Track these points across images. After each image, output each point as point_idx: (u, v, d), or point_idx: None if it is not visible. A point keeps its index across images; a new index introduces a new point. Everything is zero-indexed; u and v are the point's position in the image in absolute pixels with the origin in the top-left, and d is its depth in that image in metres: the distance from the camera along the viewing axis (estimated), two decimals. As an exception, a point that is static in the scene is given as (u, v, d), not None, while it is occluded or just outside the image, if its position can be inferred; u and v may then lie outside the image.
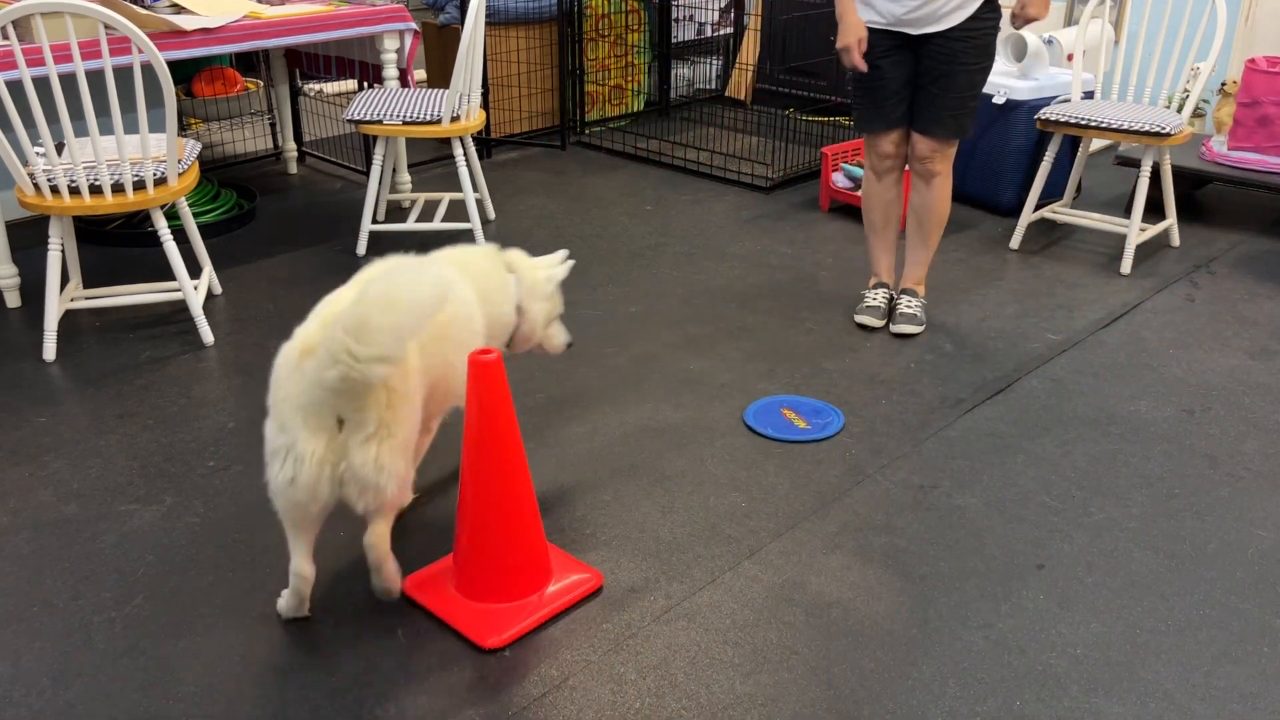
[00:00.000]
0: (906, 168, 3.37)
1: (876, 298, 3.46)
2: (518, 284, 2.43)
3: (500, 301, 2.38)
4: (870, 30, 3.11)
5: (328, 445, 1.95)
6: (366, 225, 3.96)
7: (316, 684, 1.98)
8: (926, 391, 3.04)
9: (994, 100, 4.32)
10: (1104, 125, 3.80)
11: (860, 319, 3.42)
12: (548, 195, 4.66)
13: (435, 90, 4.03)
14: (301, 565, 2.08)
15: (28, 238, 4.03)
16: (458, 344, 2.19)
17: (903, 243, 3.52)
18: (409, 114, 3.79)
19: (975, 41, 3.07)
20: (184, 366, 3.14)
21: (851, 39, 3.06)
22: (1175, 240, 4.15)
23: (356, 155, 5.09)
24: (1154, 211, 4.30)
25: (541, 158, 5.22)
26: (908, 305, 3.41)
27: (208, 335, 3.28)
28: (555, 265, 2.51)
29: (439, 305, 1.89)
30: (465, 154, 4.10)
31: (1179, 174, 4.28)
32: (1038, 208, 4.25)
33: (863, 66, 3.08)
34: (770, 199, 4.64)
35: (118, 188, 3.09)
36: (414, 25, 4.13)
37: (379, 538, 2.08)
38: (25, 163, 3.81)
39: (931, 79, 3.12)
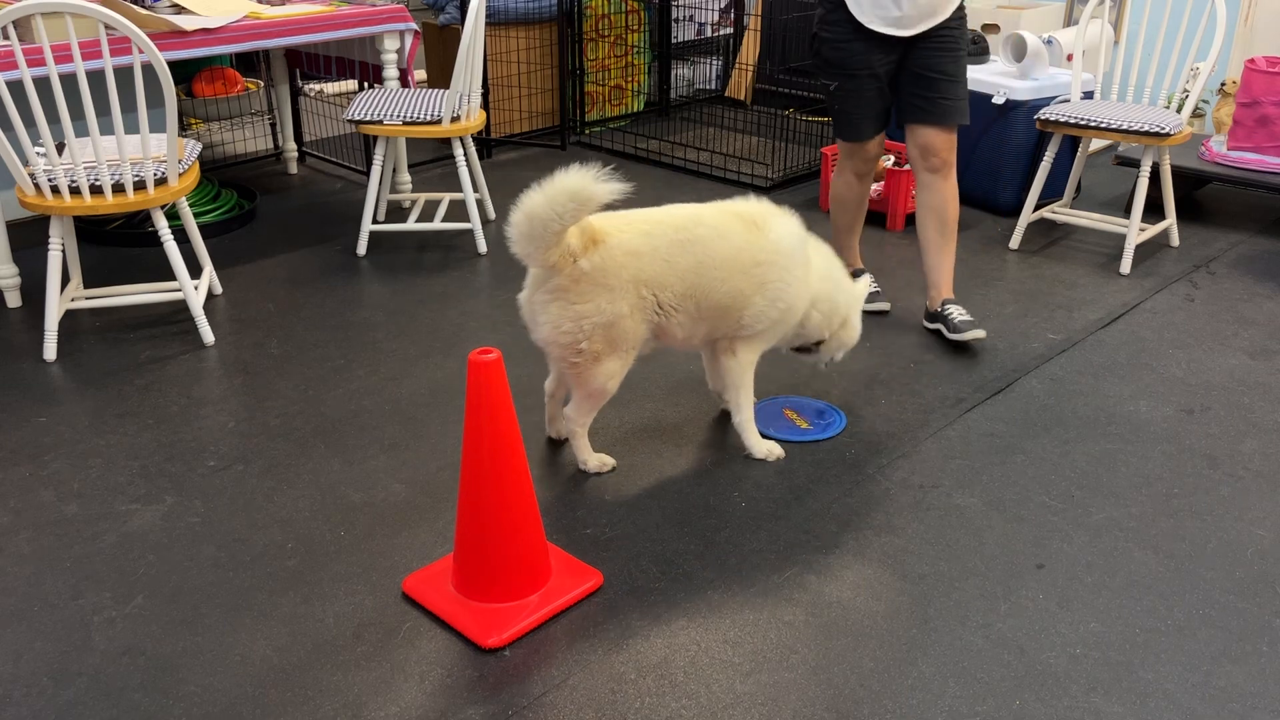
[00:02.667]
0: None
1: (873, 284, 3.47)
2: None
3: (835, 290, 2.73)
4: (864, 37, 3.10)
5: (534, 287, 2.48)
6: (367, 225, 3.97)
7: (316, 684, 1.98)
8: (926, 391, 3.04)
9: (994, 100, 4.32)
10: (1104, 125, 3.81)
11: (876, 306, 3.49)
12: (548, 195, 4.66)
13: (435, 90, 4.04)
14: (549, 381, 2.72)
15: (28, 238, 4.04)
16: (760, 283, 2.53)
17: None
18: (409, 114, 3.79)
19: (962, 30, 3.17)
20: (184, 366, 3.15)
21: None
22: (1175, 240, 4.16)
23: (356, 155, 5.09)
24: (1153, 211, 4.30)
25: (541, 158, 5.22)
26: (961, 313, 3.27)
27: (208, 335, 3.28)
28: (862, 287, 2.87)
29: (573, 215, 2.26)
30: (465, 154, 4.10)
31: (1178, 174, 4.28)
32: (1037, 208, 4.25)
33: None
34: (770, 199, 4.63)
35: (118, 188, 3.09)
36: (414, 25, 4.13)
37: (566, 418, 2.60)
38: (26, 163, 3.81)
39: (937, 71, 3.13)
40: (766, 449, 2.70)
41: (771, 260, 2.53)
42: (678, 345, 2.62)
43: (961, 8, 3.13)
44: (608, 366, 2.46)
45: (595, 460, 2.64)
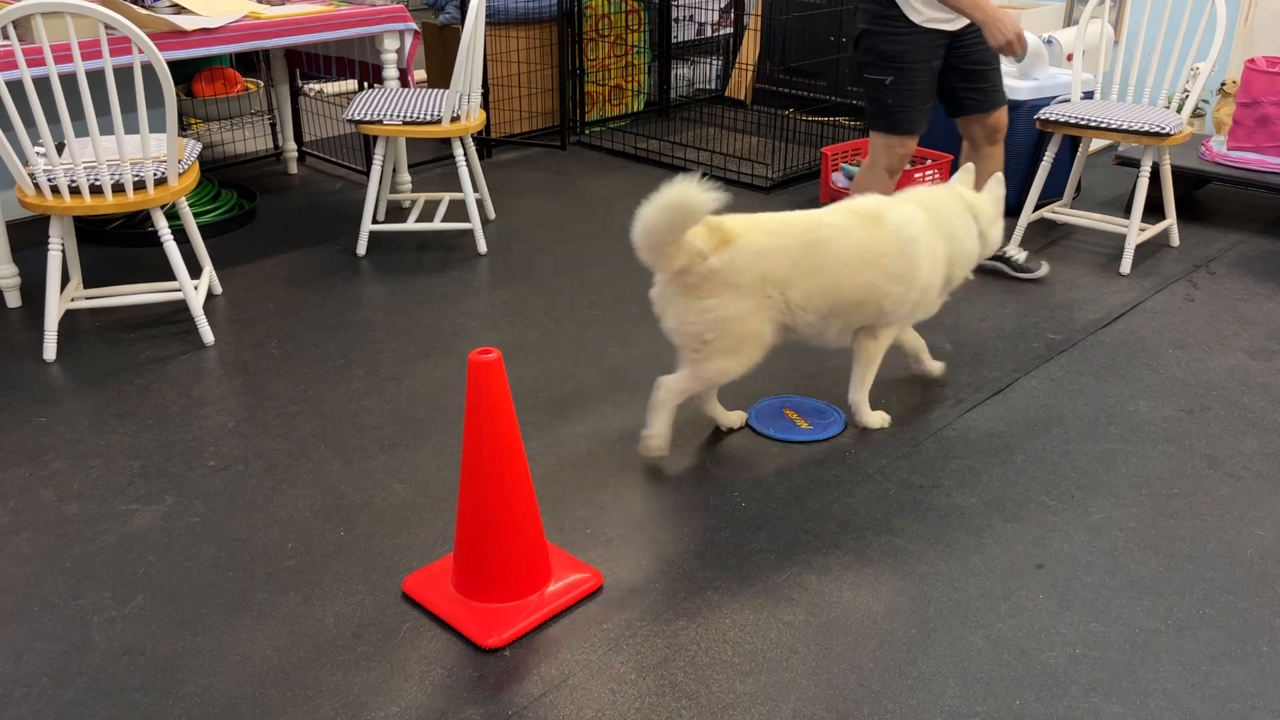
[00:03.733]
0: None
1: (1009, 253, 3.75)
2: (977, 218, 2.85)
3: (965, 238, 2.81)
4: (927, 33, 3.22)
5: (667, 281, 2.56)
6: (367, 225, 3.97)
7: (316, 684, 1.98)
8: (926, 391, 3.04)
9: (994, 100, 4.31)
10: (1104, 125, 3.80)
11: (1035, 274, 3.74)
12: (548, 195, 4.66)
13: (435, 90, 4.03)
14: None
15: (28, 238, 4.04)
16: (890, 275, 2.64)
17: None
18: (409, 114, 3.79)
19: None
20: (184, 366, 3.15)
21: (1018, 26, 3.10)
22: (1175, 240, 4.16)
23: (356, 155, 5.09)
24: (1153, 211, 4.30)
25: (541, 158, 5.22)
26: (1021, 252, 3.78)
27: (208, 335, 3.28)
28: (996, 189, 2.94)
29: (682, 224, 2.39)
30: (465, 154, 4.10)
31: (1178, 174, 4.28)
32: (1037, 207, 4.25)
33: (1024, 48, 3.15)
34: (770, 199, 4.64)
35: (118, 188, 3.09)
36: (414, 25, 4.13)
37: (663, 386, 2.63)
38: (26, 163, 3.81)
39: (983, 63, 3.37)
40: (880, 419, 2.86)
41: (897, 250, 2.65)
42: (812, 341, 2.75)
43: None
44: (724, 363, 2.57)
45: (659, 439, 2.65)
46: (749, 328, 2.55)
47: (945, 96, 3.45)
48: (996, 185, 2.95)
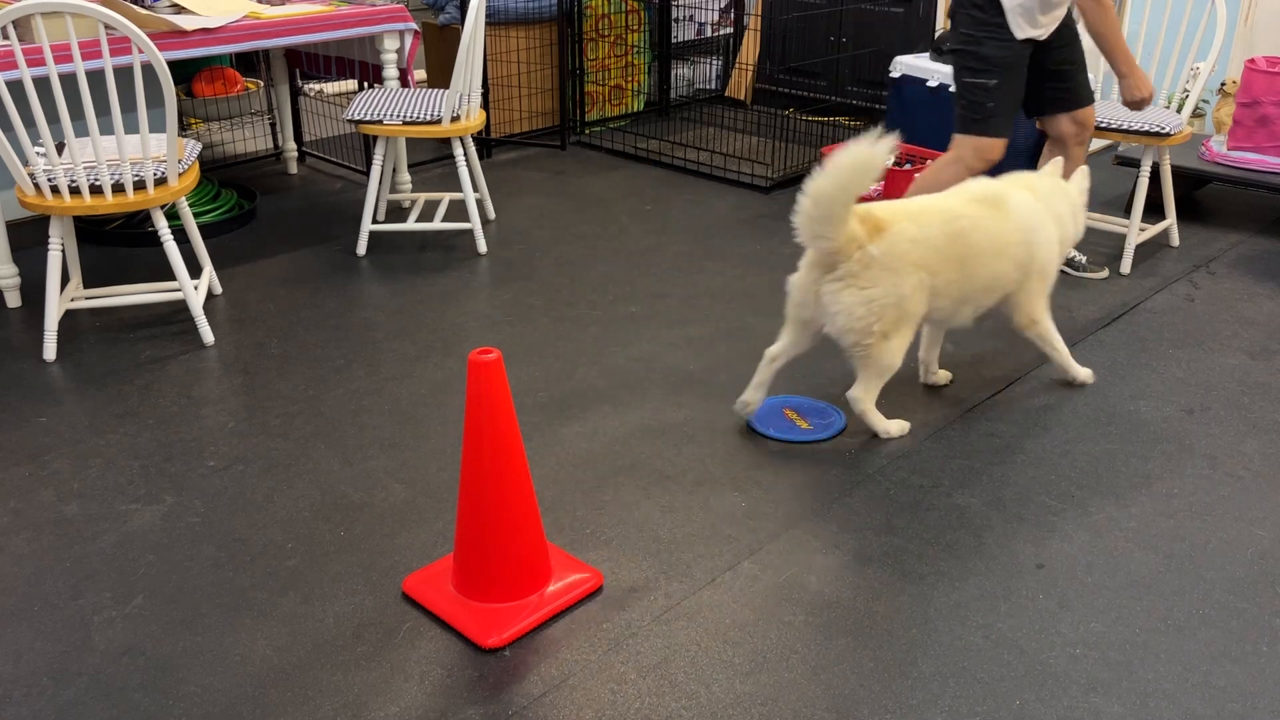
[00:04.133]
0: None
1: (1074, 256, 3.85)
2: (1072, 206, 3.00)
3: (1069, 222, 2.96)
4: (1025, 44, 3.31)
5: (815, 275, 2.64)
6: (367, 225, 3.97)
7: (316, 684, 1.98)
8: (927, 391, 3.04)
9: (994, 100, 4.31)
10: (1104, 125, 3.80)
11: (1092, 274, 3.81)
12: (548, 195, 4.66)
13: (435, 90, 4.03)
14: (773, 347, 2.81)
15: (28, 238, 4.03)
16: (1016, 263, 2.80)
17: None
18: (409, 114, 3.79)
19: (1072, 17, 3.45)
20: (184, 366, 3.15)
21: (1152, 87, 3.39)
22: (1175, 240, 4.15)
23: (356, 155, 5.09)
24: (1153, 211, 4.30)
25: (541, 158, 5.22)
26: (1080, 255, 3.84)
27: (208, 335, 3.28)
28: (1083, 180, 3.11)
29: (859, 184, 2.45)
30: (465, 154, 4.10)
31: (1179, 174, 4.28)
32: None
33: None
34: (770, 199, 4.64)
35: (118, 188, 3.09)
36: (414, 25, 4.13)
37: (855, 399, 2.76)
38: (26, 162, 3.81)
39: (1069, 62, 3.47)
40: (1088, 374, 3.08)
41: (1023, 238, 2.79)
42: (941, 323, 2.89)
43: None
44: (894, 344, 2.68)
45: (895, 426, 2.81)
46: (911, 308, 2.67)
47: (1032, 98, 3.52)
48: (1083, 178, 3.11)
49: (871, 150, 2.40)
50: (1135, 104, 3.40)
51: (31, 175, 3.08)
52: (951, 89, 4.50)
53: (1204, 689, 1.99)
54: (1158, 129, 3.74)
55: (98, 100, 4.05)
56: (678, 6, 5.90)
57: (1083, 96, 3.54)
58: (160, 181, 3.15)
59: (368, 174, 4.82)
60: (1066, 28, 3.42)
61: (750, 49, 5.98)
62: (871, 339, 2.65)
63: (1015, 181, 2.90)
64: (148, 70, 3.95)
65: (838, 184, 2.44)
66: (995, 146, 3.44)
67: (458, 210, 4.34)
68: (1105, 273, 3.83)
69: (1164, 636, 2.12)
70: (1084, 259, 3.85)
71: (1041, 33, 3.33)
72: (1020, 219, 2.79)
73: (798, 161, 5.02)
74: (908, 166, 4.43)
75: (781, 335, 2.80)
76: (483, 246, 4.01)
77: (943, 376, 3.10)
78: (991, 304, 2.87)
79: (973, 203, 2.77)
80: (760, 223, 4.35)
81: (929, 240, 2.65)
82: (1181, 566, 2.32)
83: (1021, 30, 3.28)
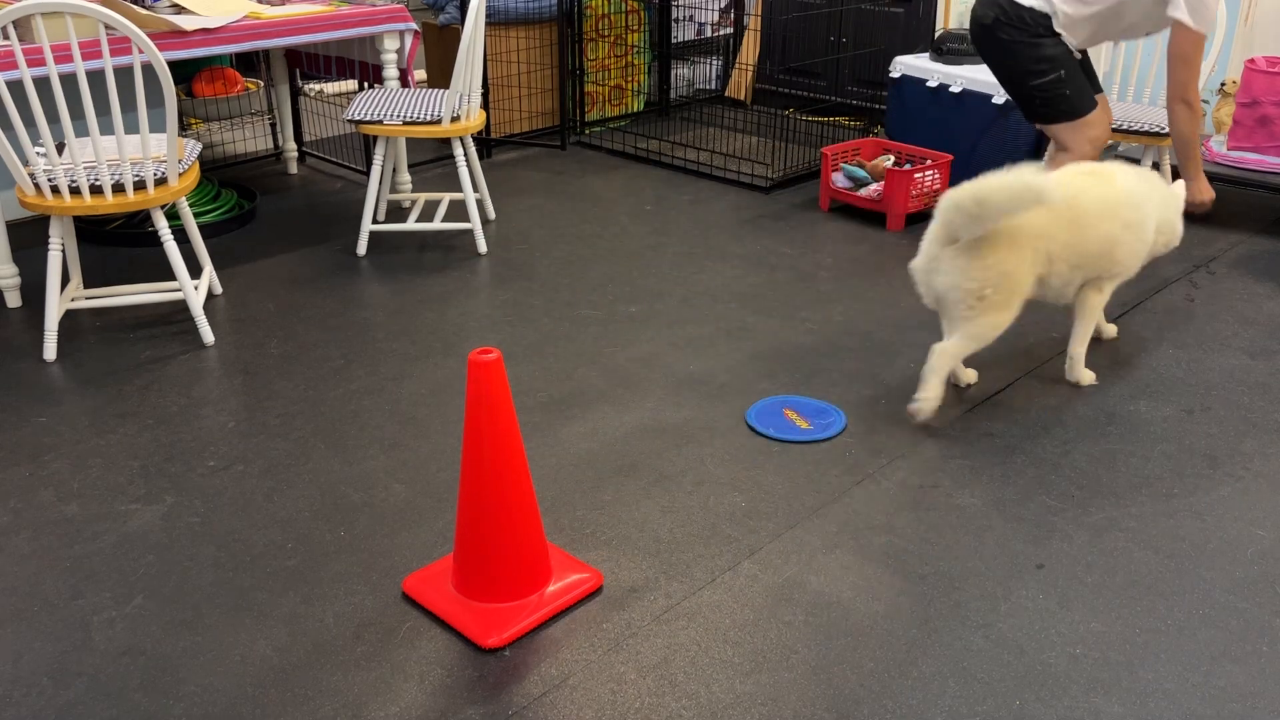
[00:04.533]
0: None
1: None
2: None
3: (1166, 209, 3.10)
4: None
5: (938, 252, 2.78)
6: (367, 225, 3.97)
7: (316, 684, 1.98)
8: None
9: (994, 100, 4.32)
10: (1104, 125, 3.80)
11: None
12: (548, 195, 4.66)
13: (435, 90, 4.04)
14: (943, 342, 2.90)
15: (28, 238, 4.04)
16: (1124, 223, 2.93)
17: None
18: (409, 114, 3.79)
19: None
20: (184, 366, 3.15)
21: (1212, 195, 3.53)
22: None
23: (356, 155, 5.09)
24: (1154, 211, 4.29)
25: (541, 158, 5.22)
26: None
27: (208, 335, 3.28)
28: (1180, 189, 3.24)
29: (1021, 209, 2.64)
30: (465, 154, 4.10)
31: (1179, 174, 4.27)
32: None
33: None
34: (770, 199, 4.65)
35: (118, 188, 3.09)
36: (414, 25, 4.13)
37: (941, 352, 2.82)
38: (26, 162, 3.81)
39: (1087, 68, 3.54)
40: (1090, 377, 3.10)
41: (1130, 203, 2.92)
42: (1050, 296, 2.98)
43: None
44: (998, 318, 2.80)
45: (932, 402, 2.84)
46: (1021, 281, 2.77)
47: None
48: (1181, 187, 3.24)
49: (1041, 190, 2.56)
50: (1193, 208, 3.50)
51: (32, 175, 3.08)
52: (951, 89, 4.51)
53: (1204, 689, 1.99)
54: (1158, 129, 3.74)
55: (98, 100, 4.05)
56: (678, 6, 5.90)
57: (1095, 86, 3.58)
58: (160, 181, 3.15)
59: (368, 174, 4.82)
60: None
61: (750, 49, 5.98)
62: (979, 305, 2.76)
63: (1116, 166, 3.02)
64: (148, 70, 3.95)
65: (1012, 199, 2.58)
66: (1094, 123, 3.51)
67: (458, 210, 4.34)
68: None
69: (1164, 636, 2.12)
70: None
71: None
72: (1129, 189, 2.93)
73: (798, 161, 5.02)
74: (908, 166, 4.43)
75: (944, 324, 2.92)
76: (483, 246, 4.01)
77: (969, 376, 3.10)
78: (1101, 270, 2.96)
79: (1080, 175, 2.93)
80: (760, 223, 4.35)
81: (1046, 209, 2.77)
82: (1181, 566, 2.32)
83: (1071, 43, 3.43)
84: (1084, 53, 3.56)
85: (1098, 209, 2.87)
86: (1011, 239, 2.72)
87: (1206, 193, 3.50)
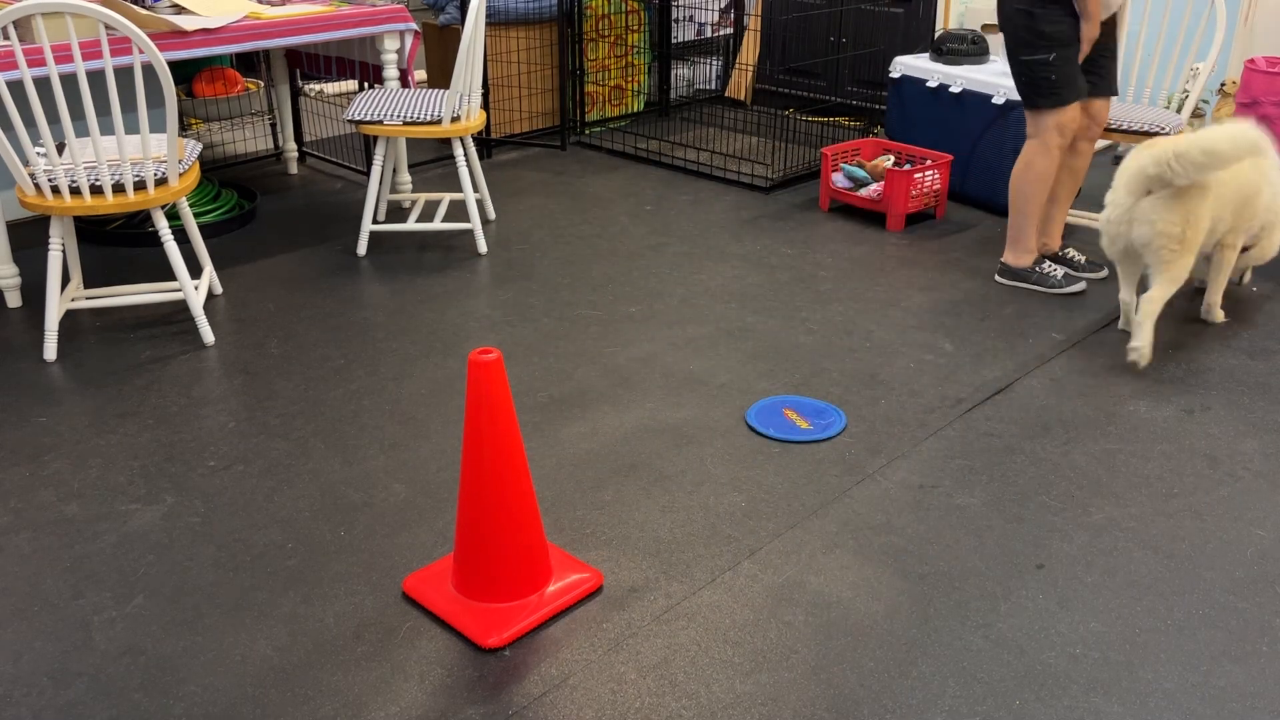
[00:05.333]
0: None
1: (1072, 254, 3.88)
2: None
3: None
4: (1072, 15, 3.43)
5: (1132, 205, 3.13)
6: (367, 225, 3.97)
7: (316, 684, 1.98)
8: (926, 391, 3.04)
9: (994, 100, 4.32)
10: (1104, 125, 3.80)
11: (1076, 286, 3.72)
12: (548, 195, 4.67)
13: (435, 90, 4.04)
14: (1123, 293, 3.35)
15: (28, 238, 4.04)
16: (1269, 181, 3.30)
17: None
18: (409, 114, 3.79)
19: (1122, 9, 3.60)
20: (184, 366, 3.15)
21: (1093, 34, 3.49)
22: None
23: (357, 155, 5.09)
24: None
25: (541, 158, 5.22)
26: (1081, 255, 3.87)
27: (208, 335, 3.28)
28: None
29: (1237, 160, 3.01)
30: (465, 154, 4.10)
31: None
32: (1038, 208, 4.25)
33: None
34: (770, 199, 4.65)
35: (118, 188, 3.09)
36: (414, 25, 4.13)
37: (1150, 300, 3.13)
38: (26, 163, 3.81)
39: (1108, 51, 3.59)
40: (1223, 315, 3.46)
41: (1263, 156, 3.13)
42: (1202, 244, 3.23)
43: None
44: (1187, 260, 3.12)
45: (1148, 348, 3.13)
46: (1205, 225, 3.10)
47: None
48: None
49: (1256, 142, 2.94)
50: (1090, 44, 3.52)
51: (32, 175, 3.08)
52: (951, 89, 4.51)
53: (1204, 689, 1.99)
54: (1157, 129, 3.74)
55: (98, 100, 4.05)
56: (678, 6, 5.90)
57: (1103, 86, 3.61)
58: (160, 182, 3.15)
59: (368, 174, 4.82)
60: (1118, 15, 3.54)
61: (750, 49, 5.98)
62: (1179, 247, 3.06)
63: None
64: (148, 70, 3.95)
65: (1233, 155, 2.93)
66: (1070, 115, 3.54)
67: (458, 210, 4.34)
68: (1105, 272, 3.82)
69: (1164, 636, 2.12)
70: (1083, 258, 3.85)
71: (1105, 10, 3.46)
72: (1260, 144, 3.08)
73: (798, 161, 5.02)
74: (908, 167, 4.43)
75: (1121, 283, 3.32)
76: (483, 247, 4.01)
77: (1219, 316, 3.46)
78: (1243, 222, 3.28)
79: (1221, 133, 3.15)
80: (760, 223, 4.35)
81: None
82: (1181, 566, 2.32)
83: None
84: (1107, 52, 3.55)
85: (1251, 165, 3.20)
86: (1205, 190, 3.05)
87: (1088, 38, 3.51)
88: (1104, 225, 3.21)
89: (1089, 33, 3.44)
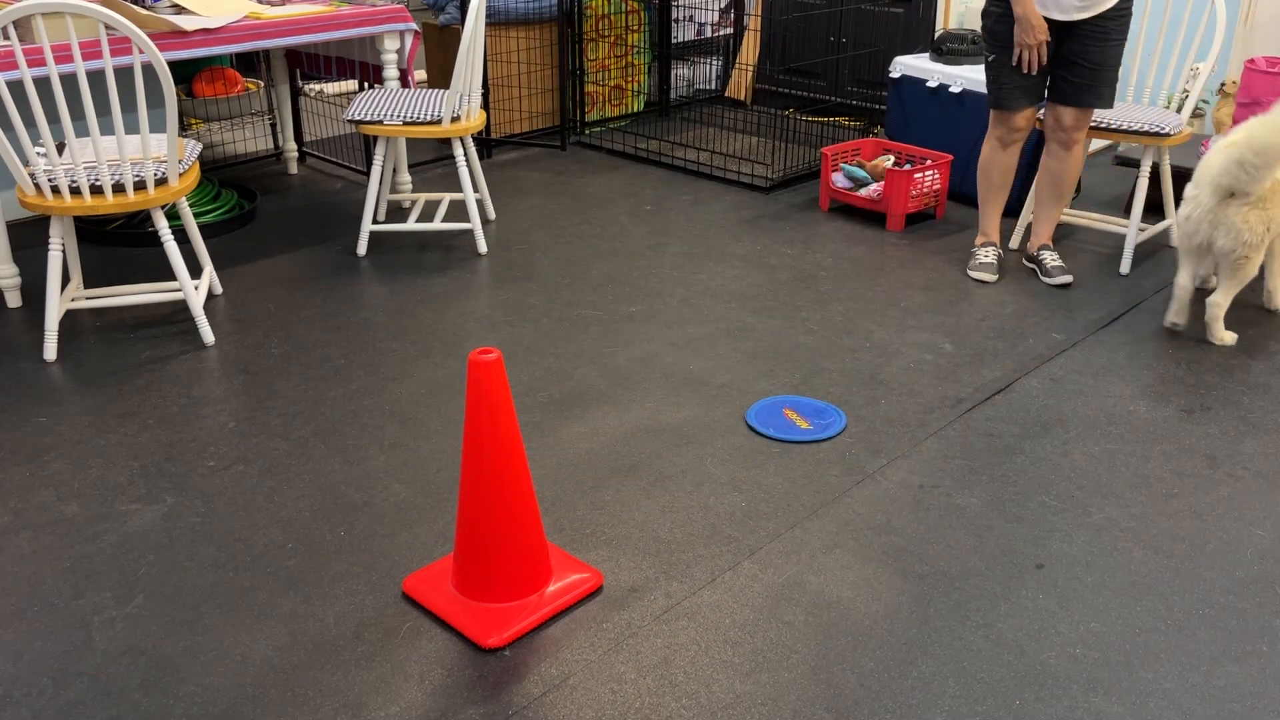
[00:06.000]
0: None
1: (989, 255, 3.82)
2: None
3: None
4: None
5: (1216, 204, 3.14)
6: (367, 225, 3.97)
7: (316, 684, 1.98)
8: (926, 391, 3.04)
9: (994, 100, 4.32)
10: (1103, 125, 3.80)
11: (978, 275, 3.76)
12: (548, 195, 4.67)
13: (435, 90, 4.04)
14: (1182, 278, 3.35)
15: (28, 238, 4.04)
16: None
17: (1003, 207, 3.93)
18: (409, 114, 3.79)
19: (1124, 19, 3.43)
20: (184, 366, 3.15)
21: (1042, 37, 3.40)
22: (1175, 240, 4.15)
23: (357, 155, 5.09)
24: (1153, 211, 4.30)
25: (541, 158, 5.22)
26: (1054, 259, 3.79)
27: (208, 335, 3.28)
28: None
29: None
30: (465, 154, 4.10)
31: (1179, 174, 4.28)
32: (1038, 208, 4.25)
33: (1043, 61, 3.43)
34: (770, 199, 4.65)
35: (118, 188, 3.09)
36: (414, 26, 4.13)
37: (1216, 304, 3.28)
38: (26, 163, 3.81)
39: (1085, 57, 3.46)
40: (1233, 337, 3.38)
41: None
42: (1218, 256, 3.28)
43: (1126, 3, 3.41)
44: (1257, 261, 3.20)
45: (1229, 336, 3.33)
46: (1276, 230, 3.18)
47: (1050, 82, 3.60)
48: None
49: None
50: (1025, 47, 3.45)
51: (32, 175, 3.08)
52: (951, 89, 4.52)
53: (1204, 689, 1.99)
54: (1157, 129, 3.74)
55: (98, 100, 4.05)
56: (678, 6, 5.90)
57: (1074, 95, 3.53)
58: (160, 182, 3.15)
59: (368, 174, 4.82)
60: (1103, 24, 3.42)
61: (750, 49, 5.98)
62: (1252, 252, 3.15)
63: None
64: (148, 70, 3.95)
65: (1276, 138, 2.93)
66: (1004, 118, 3.58)
67: (458, 210, 4.34)
68: (1069, 278, 3.73)
69: (1164, 636, 2.12)
70: (1054, 262, 3.79)
71: (1060, 12, 3.39)
72: None
73: (798, 161, 5.02)
74: (908, 167, 4.43)
75: (1181, 269, 3.34)
76: (483, 247, 4.01)
77: (1229, 338, 3.39)
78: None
79: None
80: (760, 223, 4.35)
81: None
82: (1181, 566, 2.33)
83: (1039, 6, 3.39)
84: (1083, 60, 3.46)
85: None
86: (1275, 191, 3.10)
87: (1042, 28, 3.41)
88: (1181, 221, 3.23)
89: (1019, 36, 3.40)
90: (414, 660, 2.04)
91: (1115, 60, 3.50)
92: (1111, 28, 3.44)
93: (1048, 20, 3.42)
